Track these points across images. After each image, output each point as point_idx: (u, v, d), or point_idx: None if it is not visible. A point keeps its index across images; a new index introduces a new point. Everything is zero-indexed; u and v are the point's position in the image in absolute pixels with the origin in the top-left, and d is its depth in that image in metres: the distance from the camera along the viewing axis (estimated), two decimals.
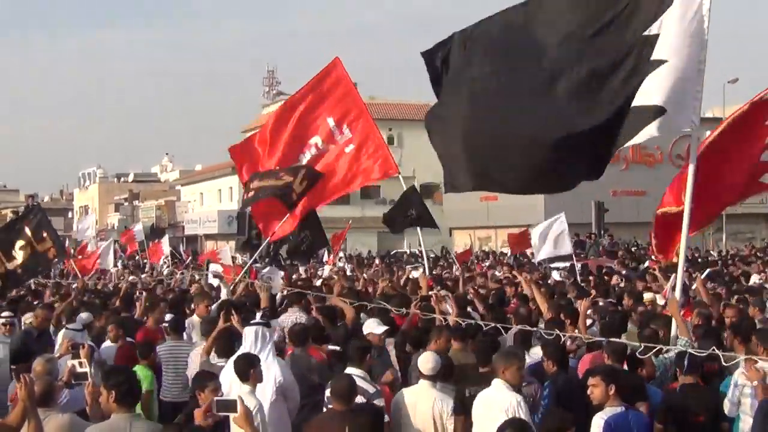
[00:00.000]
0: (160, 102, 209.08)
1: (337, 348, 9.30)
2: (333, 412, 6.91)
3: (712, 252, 37.34)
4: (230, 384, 7.60)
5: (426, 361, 7.59)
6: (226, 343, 8.91)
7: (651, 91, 7.37)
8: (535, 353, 8.69)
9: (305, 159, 13.80)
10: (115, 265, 28.31)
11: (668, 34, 7.38)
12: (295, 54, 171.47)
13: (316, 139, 13.73)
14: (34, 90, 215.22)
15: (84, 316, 11.29)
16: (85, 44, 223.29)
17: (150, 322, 11.39)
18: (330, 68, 13.98)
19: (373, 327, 9.41)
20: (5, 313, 11.24)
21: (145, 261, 35.26)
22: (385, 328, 9.44)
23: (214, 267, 20.37)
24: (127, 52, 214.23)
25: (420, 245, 16.80)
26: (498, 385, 7.03)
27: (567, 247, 18.52)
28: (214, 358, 8.87)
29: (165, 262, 31.42)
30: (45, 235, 14.63)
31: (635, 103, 7.39)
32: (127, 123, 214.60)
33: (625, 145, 7.62)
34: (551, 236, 18.07)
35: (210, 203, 64.35)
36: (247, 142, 15.09)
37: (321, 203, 14.21)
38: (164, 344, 10.46)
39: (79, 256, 25.71)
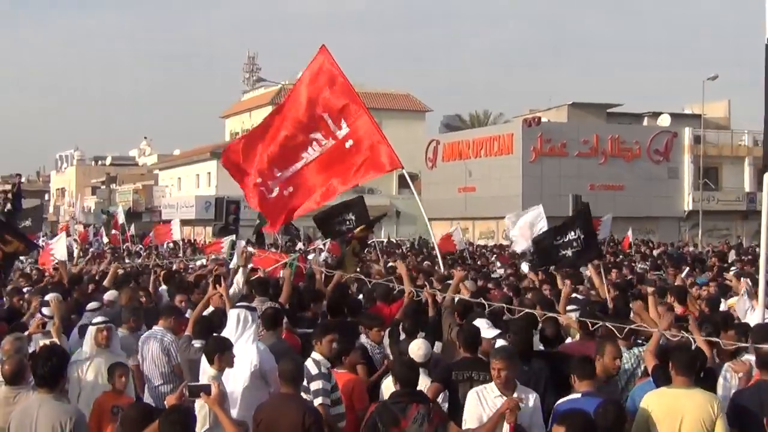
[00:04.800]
0: (140, 85, 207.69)
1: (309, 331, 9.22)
2: (282, 396, 6.99)
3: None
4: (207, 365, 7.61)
5: (417, 348, 7.70)
6: (204, 326, 8.90)
7: None
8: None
9: (310, 157, 13.46)
10: (76, 256, 27.26)
11: None
12: (276, 40, 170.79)
13: (317, 135, 13.47)
14: (12, 70, 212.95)
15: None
16: (66, 27, 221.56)
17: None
18: (318, 60, 13.69)
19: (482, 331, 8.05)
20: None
21: (127, 245, 34.99)
22: (497, 331, 8.15)
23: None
24: (107, 35, 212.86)
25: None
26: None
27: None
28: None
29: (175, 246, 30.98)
30: (8, 237, 14.57)
31: None
32: (105, 106, 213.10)
33: None
34: (527, 227, 17.88)
35: (188, 188, 63.98)
36: (239, 148, 13.94)
37: (324, 201, 13.99)
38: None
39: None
